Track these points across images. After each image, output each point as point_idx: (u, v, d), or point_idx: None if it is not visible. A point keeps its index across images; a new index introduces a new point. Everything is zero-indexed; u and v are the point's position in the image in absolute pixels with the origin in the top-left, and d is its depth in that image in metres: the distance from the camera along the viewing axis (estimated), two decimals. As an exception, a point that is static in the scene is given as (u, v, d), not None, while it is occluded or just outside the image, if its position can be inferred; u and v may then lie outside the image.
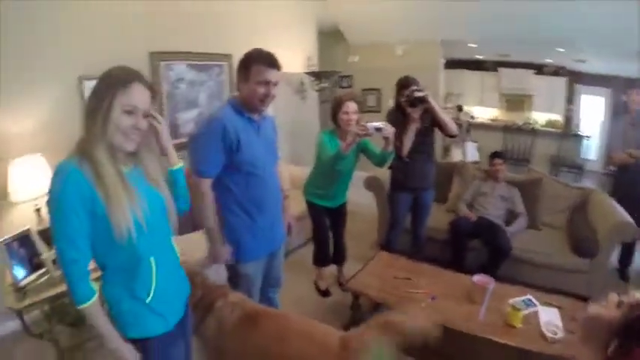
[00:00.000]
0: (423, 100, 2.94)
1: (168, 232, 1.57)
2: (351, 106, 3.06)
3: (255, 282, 2.33)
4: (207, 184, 2.04)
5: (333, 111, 3.13)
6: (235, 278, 2.25)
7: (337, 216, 3.49)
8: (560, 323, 2.34)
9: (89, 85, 3.24)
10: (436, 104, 3.01)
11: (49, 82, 3.16)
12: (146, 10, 3.70)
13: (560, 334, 2.24)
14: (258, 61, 2.00)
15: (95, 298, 1.33)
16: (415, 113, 3.00)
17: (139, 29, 3.69)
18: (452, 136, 3.29)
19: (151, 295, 1.42)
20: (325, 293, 3.59)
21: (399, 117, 3.12)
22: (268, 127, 2.28)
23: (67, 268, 1.29)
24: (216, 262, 2.19)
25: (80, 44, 3.28)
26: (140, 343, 1.43)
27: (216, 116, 2.00)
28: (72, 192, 1.25)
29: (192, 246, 3.17)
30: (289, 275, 3.22)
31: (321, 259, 3.56)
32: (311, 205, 3.40)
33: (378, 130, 2.69)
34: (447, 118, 3.08)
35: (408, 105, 2.99)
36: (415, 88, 2.99)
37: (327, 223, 3.48)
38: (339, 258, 3.66)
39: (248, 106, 2.06)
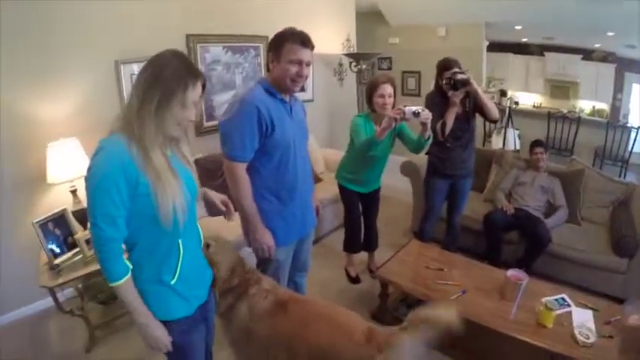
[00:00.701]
0: (465, 83, 2.83)
1: (195, 216, 1.59)
2: (387, 89, 2.93)
3: (285, 266, 2.31)
4: (242, 168, 2.00)
5: (368, 94, 3.02)
6: (264, 262, 2.22)
7: (370, 202, 3.41)
8: (593, 327, 2.23)
9: (126, 70, 3.31)
10: (478, 87, 2.89)
11: (85, 67, 3.17)
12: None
13: (592, 339, 2.13)
14: (291, 40, 1.94)
15: (129, 274, 1.34)
16: (456, 97, 2.89)
17: (176, 12, 3.68)
18: (494, 121, 3.18)
19: (176, 277, 1.43)
20: (355, 280, 3.53)
21: (437, 100, 3.02)
22: (299, 110, 2.23)
23: (103, 246, 1.29)
24: (256, 246, 2.14)
25: (117, 28, 3.28)
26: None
27: (248, 99, 1.93)
28: (118, 172, 1.24)
29: (226, 225, 3.20)
30: (319, 260, 3.19)
31: (351, 245, 3.51)
32: (343, 190, 3.33)
33: (416, 114, 2.55)
34: (489, 102, 2.96)
35: (450, 88, 2.88)
36: (457, 70, 2.90)
37: (359, 209, 3.41)
38: (370, 245, 3.60)
39: (279, 86, 2.01)
